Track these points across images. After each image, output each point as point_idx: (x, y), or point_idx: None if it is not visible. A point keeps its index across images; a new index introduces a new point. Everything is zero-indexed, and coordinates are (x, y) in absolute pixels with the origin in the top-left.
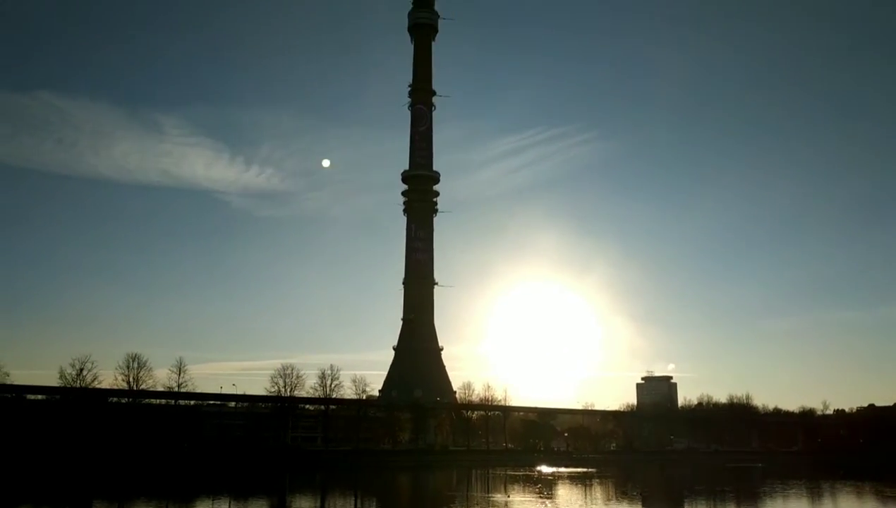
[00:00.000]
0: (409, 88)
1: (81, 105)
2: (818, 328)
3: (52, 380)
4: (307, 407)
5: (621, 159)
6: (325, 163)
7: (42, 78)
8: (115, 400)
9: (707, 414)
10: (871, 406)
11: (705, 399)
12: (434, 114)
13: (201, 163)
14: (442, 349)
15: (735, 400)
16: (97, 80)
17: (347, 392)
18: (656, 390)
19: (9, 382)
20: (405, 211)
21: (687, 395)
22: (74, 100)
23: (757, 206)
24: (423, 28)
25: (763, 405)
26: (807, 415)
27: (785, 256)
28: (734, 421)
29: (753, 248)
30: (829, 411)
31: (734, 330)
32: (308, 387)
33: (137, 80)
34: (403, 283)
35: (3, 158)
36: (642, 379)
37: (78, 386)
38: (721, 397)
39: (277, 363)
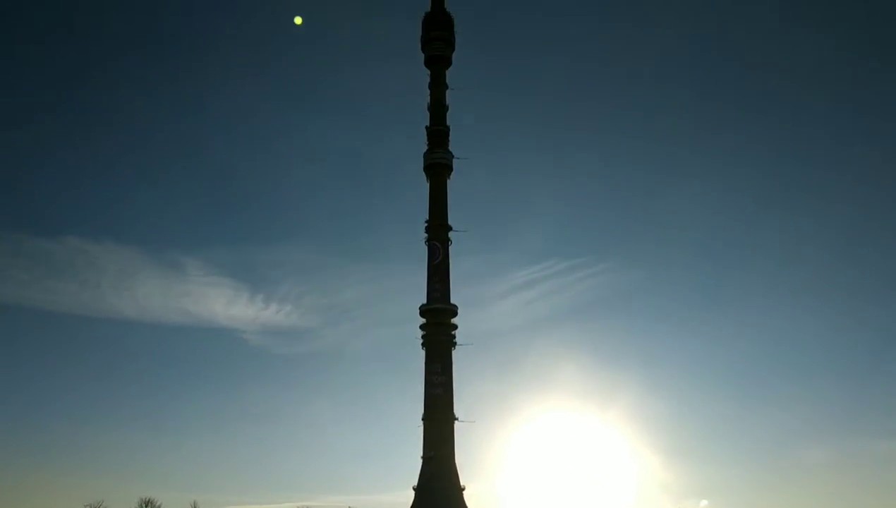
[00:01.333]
0: (426, 224)
1: (107, 248)
2: (857, 458)
3: None
4: None
5: (639, 289)
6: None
7: (70, 223)
8: None
9: None
10: None
11: None
12: (450, 247)
13: (221, 302)
14: (464, 488)
15: None
16: (122, 224)
17: None
18: None
19: None
20: (423, 345)
21: None
22: (100, 243)
23: (786, 331)
24: (438, 167)
25: None
26: None
27: (818, 382)
28: None
29: (784, 375)
30: None
31: (768, 461)
32: None
33: (162, 223)
34: (423, 419)
35: (28, 302)
36: None
37: None
38: None
39: (295, 505)
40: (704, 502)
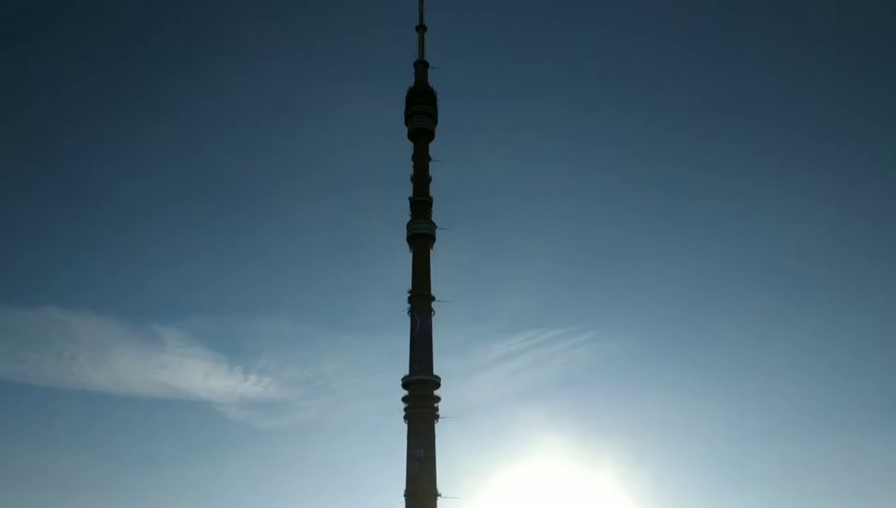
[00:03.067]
0: (409, 294)
1: (84, 318)
2: None
3: None
4: None
5: (624, 358)
6: None
7: (48, 294)
8: None
9: None
10: None
11: None
12: (433, 318)
13: (199, 374)
14: None
15: None
16: (101, 295)
17: None
18: None
19: None
20: (405, 417)
21: None
22: (78, 314)
23: (771, 403)
24: (421, 238)
25: None
26: None
27: (809, 456)
28: None
29: (772, 447)
30: None
31: None
32: None
33: (140, 294)
34: (405, 495)
35: (3, 375)
36: None
37: None
38: None
39: None
40: None
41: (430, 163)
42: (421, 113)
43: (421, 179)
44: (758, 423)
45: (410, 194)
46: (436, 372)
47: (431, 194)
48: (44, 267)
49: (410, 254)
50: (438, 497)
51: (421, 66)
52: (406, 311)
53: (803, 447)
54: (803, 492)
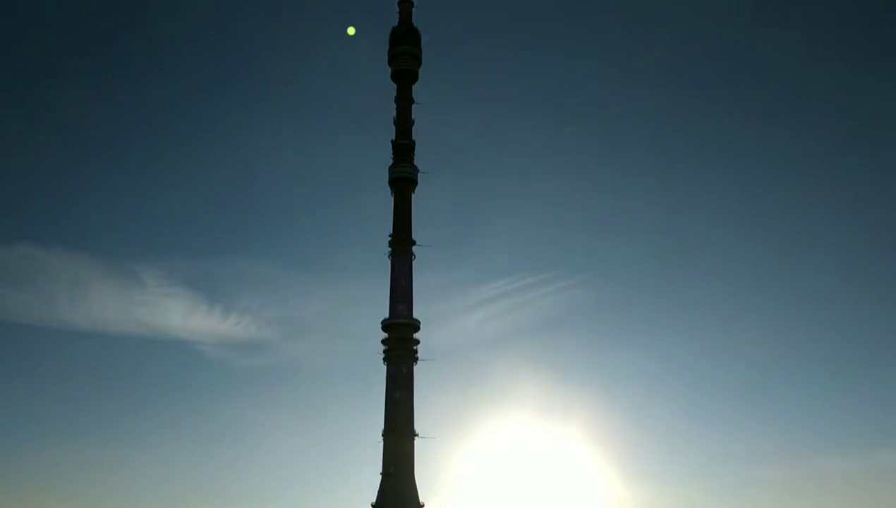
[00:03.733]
0: (390, 238)
1: (59, 255)
2: (812, 476)
3: None
4: None
5: (603, 306)
6: (351, 31)
7: (22, 229)
8: None
9: None
10: None
11: None
12: (414, 262)
13: (179, 314)
14: (423, 505)
15: None
16: (76, 231)
17: None
18: None
19: None
20: (385, 360)
21: None
22: (53, 251)
23: (741, 353)
24: (402, 181)
25: None
26: None
27: (774, 403)
28: None
29: (742, 395)
30: None
31: (725, 479)
32: None
33: (117, 231)
34: (383, 435)
35: None
36: None
37: None
38: None
39: None
40: None
41: (414, 107)
42: (405, 54)
43: (404, 122)
44: (726, 369)
45: (393, 137)
46: (415, 315)
47: (414, 138)
48: (17, 203)
49: (392, 198)
50: (416, 437)
51: (405, 5)
52: (387, 255)
53: (768, 392)
54: (768, 436)
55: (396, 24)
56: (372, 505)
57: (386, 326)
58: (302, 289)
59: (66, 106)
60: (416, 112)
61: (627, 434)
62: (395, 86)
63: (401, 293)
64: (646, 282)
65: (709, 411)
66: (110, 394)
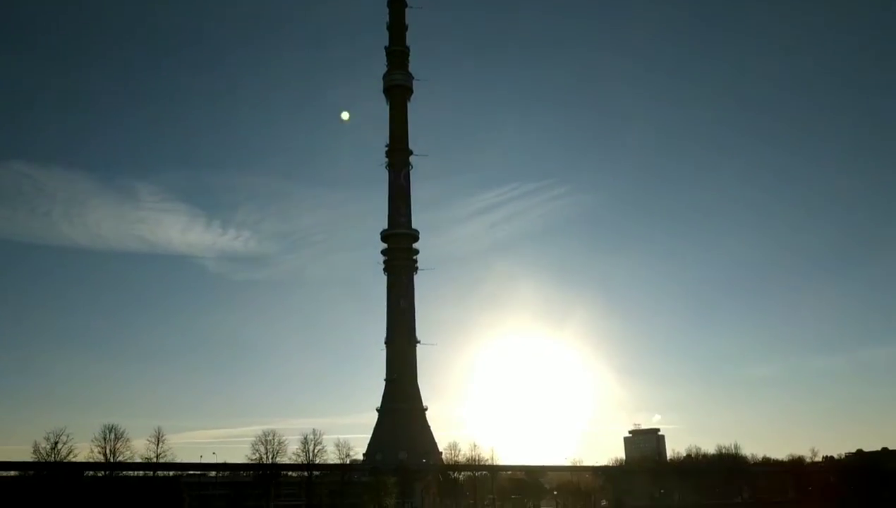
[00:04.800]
0: (386, 148)
1: (54, 173)
2: (803, 374)
3: (26, 455)
4: (290, 473)
5: (599, 211)
6: (345, 115)
7: (14, 147)
8: (91, 473)
9: (696, 466)
10: (859, 451)
11: (694, 450)
12: (412, 172)
13: (177, 229)
14: (426, 409)
15: (724, 451)
16: (69, 148)
17: (331, 456)
18: (645, 443)
19: None
20: (385, 270)
21: (675, 447)
22: (46, 168)
23: (735, 255)
24: (398, 89)
25: (752, 454)
26: (796, 463)
27: (764, 303)
28: (724, 472)
29: (732, 296)
30: (818, 458)
31: (718, 378)
32: (290, 453)
33: (110, 147)
34: (385, 343)
35: None
36: (630, 432)
37: (53, 460)
38: (709, 448)
39: (258, 429)
40: (657, 416)
41: (407, 11)
42: None
43: (397, 27)
44: (720, 272)
45: (387, 44)
46: (414, 225)
47: (408, 44)
48: (5, 120)
49: (388, 107)
50: (418, 344)
51: None
52: (384, 165)
53: (760, 293)
54: (761, 336)
55: None
56: (377, 410)
57: (385, 236)
58: (299, 201)
59: (45, 18)
60: (410, 17)
61: (623, 335)
62: None
63: (399, 203)
64: (642, 189)
65: (703, 313)
66: (112, 309)
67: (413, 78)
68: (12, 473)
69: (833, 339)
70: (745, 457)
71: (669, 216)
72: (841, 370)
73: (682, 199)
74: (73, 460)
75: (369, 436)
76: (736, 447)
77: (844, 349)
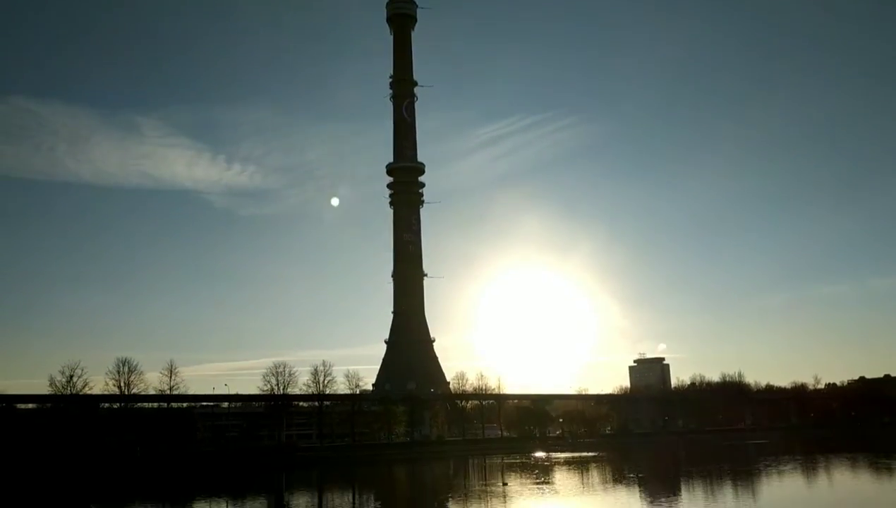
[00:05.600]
0: (391, 80)
1: (56, 109)
2: (807, 303)
3: (42, 389)
4: (301, 404)
5: (604, 142)
6: (335, 201)
7: (13, 83)
8: (106, 405)
9: (700, 394)
10: (862, 378)
11: (698, 379)
12: (416, 104)
13: (182, 164)
14: (434, 340)
15: (728, 379)
16: (70, 83)
17: (341, 387)
18: (649, 372)
19: None
20: (391, 203)
21: (680, 376)
22: (48, 104)
23: (742, 184)
24: (401, 18)
25: (755, 382)
26: (799, 390)
27: (771, 233)
28: (727, 399)
29: (740, 226)
30: (821, 385)
31: (724, 308)
32: (301, 384)
33: (111, 82)
34: (392, 276)
35: None
36: (635, 361)
37: (69, 393)
38: (714, 376)
39: (269, 361)
40: (662, 346)
41: None
42: None
43: None
44: (727, 202)
45: None
46: (419, 158)
47: None
48: (4, 55)
49: (391, 37)
50: (425, 278)
51: None
52: (388, 98)
53: (767, 223)
54: (768, 265)
55: None
56: (385, 342)
57: (391, 170)
58: (304, 136)
59: None
60: None
61: (628, 266)
62: None
63: (404, 136)
64: (648, 119)
65: (709, 242)
66: (118, 245)
67: (417, 6)
68: (30, 406)
69: (839, 268)
70: (749, 385)
71: (676, 145)
72: (846, 298)
73: (689, 129)
74: (89, 392)
75: (378, 367)
76: (740, 375)
77: (850, 277)
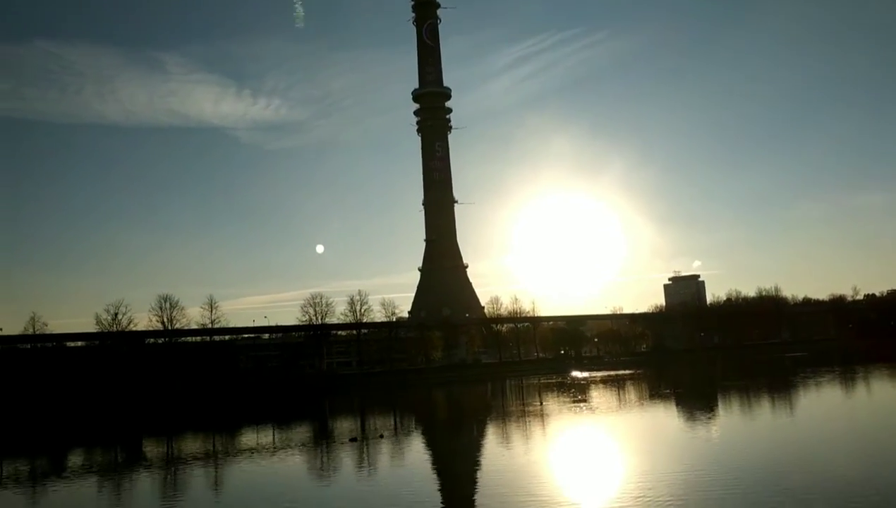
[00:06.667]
0: (413, 2)
1: (79, 50)
2: (844, 213)
3: (89, 327)
4: (339, 333)
5: (632, 58)
6: (319, 249)
7: (35, 25)
8: (151, 340)
9: (736, 309)
10: None
11: (734, 294)
12: (440, 27)
13: (208, 100)
14: (467, 266)
15: (764, 293)
16: (90, 23)
17: (377, 316)
18: (684, 289)
19: (48, 331)
20: (419, 130)
21: (715, 292)
22: (72, 45)
23: (776, 93)
24: None
25: (793, 295)
26: (837, 302)
27: (807, 142)
28: (764, 314)
29: (774, 136)
30: (860, 296)
31: (759, 221)
32: (338, 314)
33: (130, 19)
34: (423, 204)
35: (9, 112)
36: (669, 279)
37: (115, 330)
38: (750, 291)
39: (306, 293)
40: (697, 262)
41: None
42: None
43: None
44: (760, 114)
45: None
46: (445, 83)
47: None
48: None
49: None
50: (455, 204)
51: None
52: (411, 21)
53: (805, 132)
54: (806, 174)
55: None
56: (419, 269)
57: (417, 96)
58: (327, 66)
59: None
60: None
61: (660, 183)
62: None
63: (429, 61)
64: (676, 35)
65: (742, 154)
66: (150, 184)
67: None
68: (79, 343)
69: (876, 174)
70: (786, 299)
71: (706, 57)
72: (885, 206)
73: (719, 40)
74: (134, 329)
75: (413, 295)
76: (776, 289)
77: (888, 185)
